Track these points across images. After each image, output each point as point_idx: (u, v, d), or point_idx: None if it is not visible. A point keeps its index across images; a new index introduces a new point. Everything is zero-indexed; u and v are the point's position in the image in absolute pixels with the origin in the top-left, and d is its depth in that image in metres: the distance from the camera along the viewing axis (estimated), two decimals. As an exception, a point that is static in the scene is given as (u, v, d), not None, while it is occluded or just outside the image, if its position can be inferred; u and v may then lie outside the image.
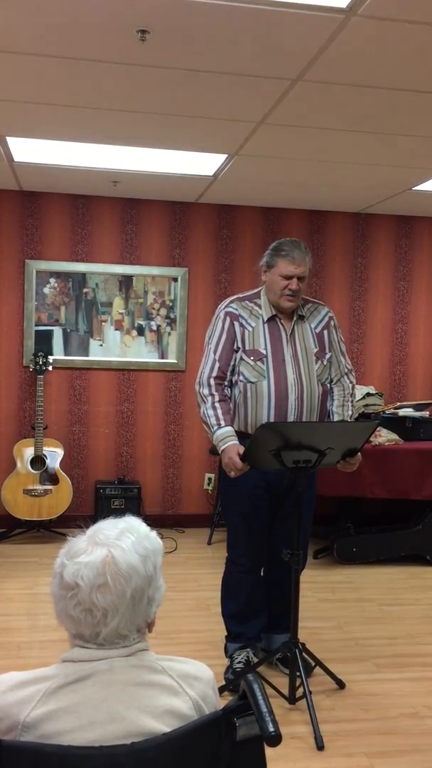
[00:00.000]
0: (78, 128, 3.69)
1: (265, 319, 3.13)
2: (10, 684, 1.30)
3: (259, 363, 3.09)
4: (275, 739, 1.18)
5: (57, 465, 5.10)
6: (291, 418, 3.08)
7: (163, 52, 2.70)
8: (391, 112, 3.29)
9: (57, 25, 2.52)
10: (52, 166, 4.47)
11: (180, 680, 1.33)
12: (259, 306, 3.16)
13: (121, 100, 3.25)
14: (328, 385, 3.21)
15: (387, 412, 5.10)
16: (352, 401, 3.26)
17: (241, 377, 3.10)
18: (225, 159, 4.18)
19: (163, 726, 1.26)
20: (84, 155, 4.20)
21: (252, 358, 3.09)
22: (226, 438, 3.03)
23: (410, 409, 5.14)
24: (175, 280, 5.44)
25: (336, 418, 3.21)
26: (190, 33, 2.54)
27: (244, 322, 3.12)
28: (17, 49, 2.74)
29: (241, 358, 3.10)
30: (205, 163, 4.30)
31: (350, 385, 3.27)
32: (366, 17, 2.39)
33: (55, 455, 5.10)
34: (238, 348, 3.11)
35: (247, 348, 3.10)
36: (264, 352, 3.09)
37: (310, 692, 2.88)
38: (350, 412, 3.24)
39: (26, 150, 4.13)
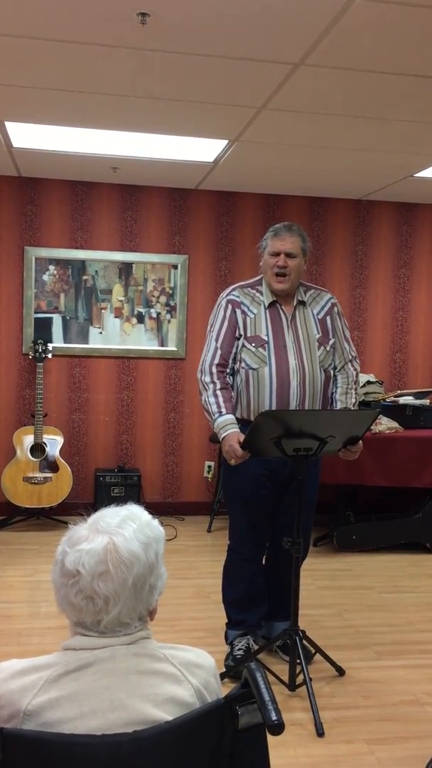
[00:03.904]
0: (77, 113, 3.66)
1: (266, 305, 3.12)
2: (12, 672, 1.29)
3: (260, 349, 3.07)
4: (278, 728, 1.18)
5: (57, 453, 5.09)
6: (293, 404, 3.07)
7: (163, 35, 2.67)
8: (394, 98, 3.26)
9: (56, 8, 2.49)
10: (51, 152, 4.43)
11: (182, 668, 1.32)
12: (261, 293, 3.14)
13: (121, 85, 3.22)
14: (332, 371, 3.20)
15: (387, 400, 5.10)
16: (356, 389, 3.25)
17: (243, 364, 3.09)
18: (225, 145, 4.16)
19: (165, 714, 1.25)
20: (83, 141, 4.17)
21: (254, 344, 3.08)
22: (227, 426, 3.02)
23: (410, 397, 5.13)
24: (175, 267, 5.42)
25: (339, 405, 3.20)
26: (190, 16, 2.51)
27: (246, 309, 3.11)
28: (16, 33, 2.71)
29: (243, 345, 3.09)
30: (205, 149, 4.27)
31: (354, 372, 3.26)
32: (368, 0, 2.36)
33: (54, 443, 5.10)
34: (240, 335, 3.10)
35: (248, 334, 3.09)
36: (265, 338, 3.08)
37: (310, 679, 2.89)
38: (354, 400, 3.22)
39: (25, 135, 4.10)
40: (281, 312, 3.13)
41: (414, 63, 2.86)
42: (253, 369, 3.07)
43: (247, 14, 2.48)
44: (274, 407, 3.06)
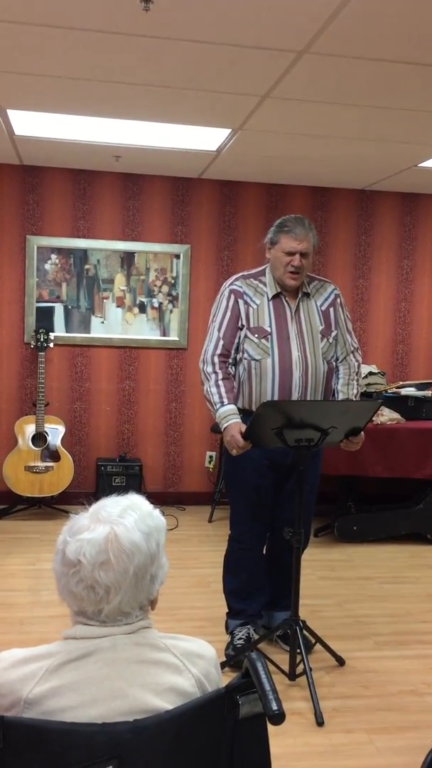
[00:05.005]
0: (80, 101, 3.63)
1: (270, 297, 3.11)
2: (13, 660, 1.29)
3: (263, 340, 3.07)
4: (279, 718, 1.18)
5: (58, 442, 5.09)
6: (295, 395, 3.06)
7: (166, 22, 2.64)
8: (398, 86, 3.23)
9: (59, -7, 2.46)
10: (54, 140, 4.41)
11: (183, 658, 1.32)
12: (264, 283, 3.13)
13: (124, 72, 3.20)
14: (334, 363, 3.20)
15: (389, 391, 5.09)
16: (357, 380, 3.24)
17: (245, 355, 3.08)
18: (228, 134, 4.13)
19: (165, 703, 1.26)
20: (86, 129, 4.15)
21: (256, 335, 3.07)
22: (229, 416, 3.01)
23: (412, 389, 5.12)
24: (177, 257, 5.40)
25: (341, 396, 3.19)
26: (194, 4, 2.49)
27: (248, 300, 3.10)
28: (18, 19, 2.69)
29: (246, 336, 3.08)
30: (208, 138, 4.25)
31: (356, 363, 3.25)
32: (374, -13, 2.34)
33: (56, 432, 5.10)
34: (243, 326, 3.09)
35: (251, 325, 3.08)
36: (268, 329, 3.07)
37: (311, 669, 2.90)
38: (355, 391, 3.22)
39: (27, 123, 4.07)
40: (286, 303, 3.12)
41: (419, 51, 2.84)
42: (256, 360, 3.07)
43: (251, 1, 2.46)
44: (276, 398, 3.05)
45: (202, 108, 3.66)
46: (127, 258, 5.35)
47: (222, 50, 2.89)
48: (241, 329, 3.09)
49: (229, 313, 3.11)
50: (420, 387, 5.18)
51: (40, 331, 5.06)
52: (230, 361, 3.11)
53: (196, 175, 5.28)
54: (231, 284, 3.16)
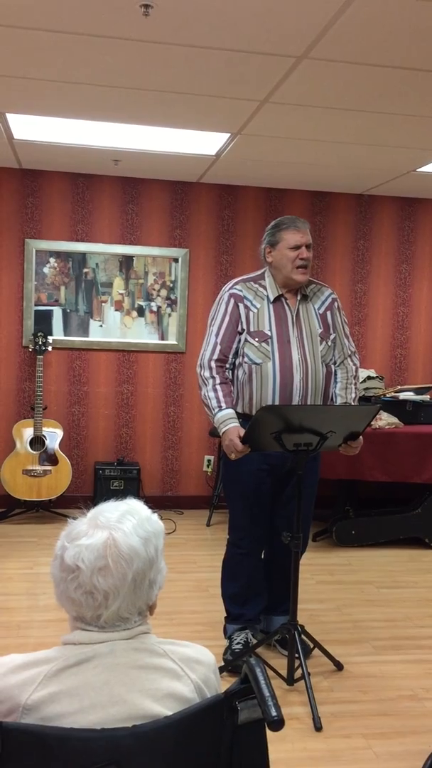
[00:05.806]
0: (79, 105, 3.64)
1: (271, 300, 3.11)
2: (11, 666, 1.29)
3: (263, 344, 3.07)
4: (278, 724, 1.17)
5: (56, 446, 5.09)
6: (296, 399, 3.06)
7: (166, 27, 2.65)
8: (397, 92, 3.24)
9: (58, -2, 2.47)
10: (53, 143, 4.42)
11: (182, 664, 1.32)
12: (264, 287, 3.13)
13: (123, 77, 3.20)
14: (332, 366, 3.20)
15: (387, 395, 5.09)
16: (355, 384, 3.25)
17: (246, 359, 3.08)
18: (227, 138, 4.14)
19: (164, 709, 1.25)
20: (85, 133, 4.15)
21: (257, 339, 3.07)
22: (227, 420, 3.01)
23: (410, 393, 5.13)
24: (176, 260, 5.41)
25: (339, 400, 3.20)
26: (193, 8, 2.49)
27: (249, 304, 3.10)
28: (18, 24, 2.69)
29: (246, 340, 3.08)
30: (207, 143, 4.25)
31: (354, 367, 3.25)
32: (374, -7, 2.35)
33: (54, 436, 5.10)
34: (243, 330, 3.09)
35: (251, 329, 3.08)
36: (269, 333, 3.07)
37: (309, 674, 2.90)
38: (353, 395, 3.22)
39: (26, 127, 4.08)
40: (287, 307, 3.12)
41: (418, 57, 2.85)
42: (257, 364, 3.06)
43: (250, 6, 2.46)
44: (277, 402, 3.05)
45: (202, 112, 3.67)
46: (126, 262, 5.36)
47: (221, 55, 2.90)
48: (241, 333, 3.09)
49: (227, 318, 3.11)
50: (418, 391, 5.18)
51: (39, 334, 5.06)
52: (227, 365, 3.11)
53: (194, 179, 5.29)
54: (231, 288, 3.16)
